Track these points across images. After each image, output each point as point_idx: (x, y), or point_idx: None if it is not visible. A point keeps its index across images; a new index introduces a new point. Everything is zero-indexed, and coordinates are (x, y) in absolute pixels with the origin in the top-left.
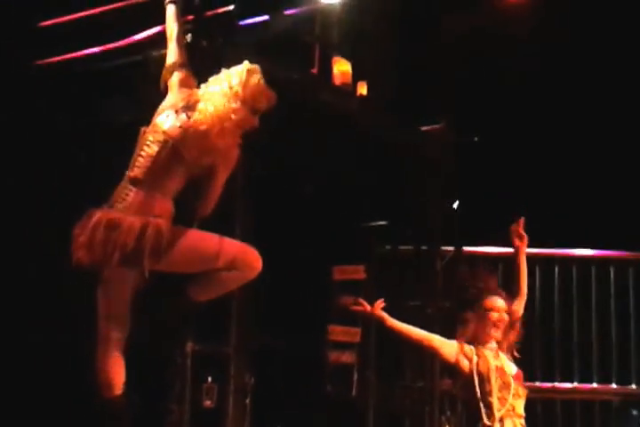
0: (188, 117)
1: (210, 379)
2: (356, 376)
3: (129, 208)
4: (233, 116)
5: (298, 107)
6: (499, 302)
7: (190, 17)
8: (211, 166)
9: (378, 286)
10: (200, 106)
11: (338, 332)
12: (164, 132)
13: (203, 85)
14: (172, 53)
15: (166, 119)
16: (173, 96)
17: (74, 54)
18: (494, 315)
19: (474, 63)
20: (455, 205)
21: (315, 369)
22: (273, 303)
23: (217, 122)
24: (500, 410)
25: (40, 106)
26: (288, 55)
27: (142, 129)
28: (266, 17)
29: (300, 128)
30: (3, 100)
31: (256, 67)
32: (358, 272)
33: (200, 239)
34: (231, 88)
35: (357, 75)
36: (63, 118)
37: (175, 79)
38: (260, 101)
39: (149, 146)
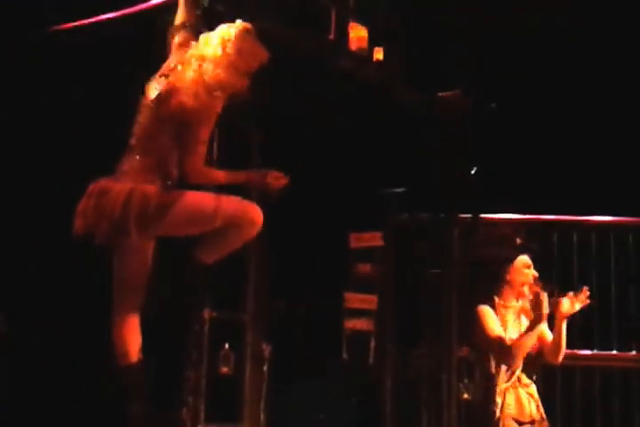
0: (166, 78)
1: (227, 346)
2: (372, 344)
3: (125, 175)
4: (227, 84)
5: (314, 73)
6: (529, 259)
7: None
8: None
9: (395, 254)
10: (179, 68)
11: (354, 299)
12: (146, 97)
13: (193, 44)
14: (179, 15)
15: (151, 83)
16: (170, 59)
17: (88, 20)
18: (530, 272)
19: (492, 28)
20: (473, 172)
21: (331, 337)
22: (289, 271)
23: (194, 85)
24: (505, 382)
25: (54, 73)
26: (304, 21)
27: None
28: None
29: (317, 94)
30: (16, 66)
31: (248, 25)
32: (375, 239)
33: (196, 200)
34: (225, 53)
35: (374, 40)
36: (77, 85)
37: (176, 41)
38: (254, 63)
39: (141, 112)
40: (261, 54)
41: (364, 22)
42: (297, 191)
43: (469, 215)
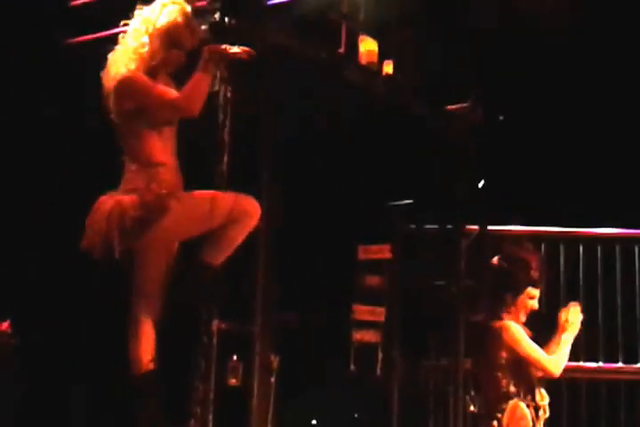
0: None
1: (235, 357)
2: (380, 356)
3: (121, 186)
4: (155, 51)
5: (324, 86)
6: (538, 291)
7: None
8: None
9: (402, 266)
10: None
11: (362, 311)
12: None
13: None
14: None
15: None
16: None
17: (104, 33)
18: (532, 303)
19: (502, 41)
20: (480, 184)
21: (339, 348)
22: (298, 282)
23: (122, 57)
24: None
25: (71, 84)
26: (315, 34)
27: None
28: None
29: (325, 107)
30: (33, 79)
31: (179, 4)
32: (383, 251)
33: (191, 204)
34: (147, 29)
35: (383, 53)
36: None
37: None
38: (182, 35)
39: None
40: (190, 26)
41: (374, 36)
42: (305, 203)
43: (476, 227)
